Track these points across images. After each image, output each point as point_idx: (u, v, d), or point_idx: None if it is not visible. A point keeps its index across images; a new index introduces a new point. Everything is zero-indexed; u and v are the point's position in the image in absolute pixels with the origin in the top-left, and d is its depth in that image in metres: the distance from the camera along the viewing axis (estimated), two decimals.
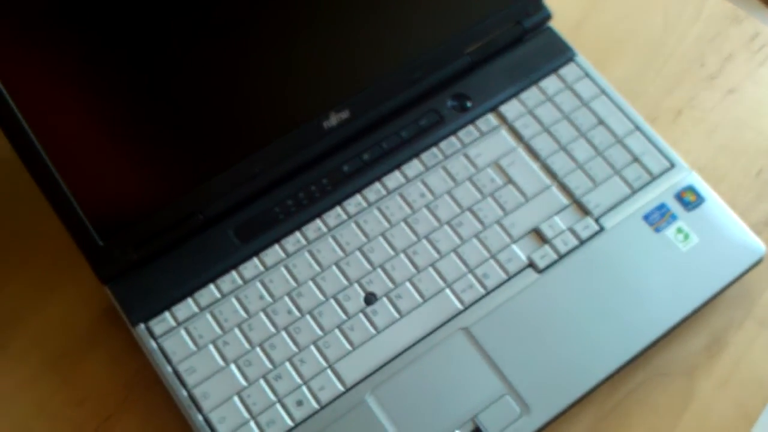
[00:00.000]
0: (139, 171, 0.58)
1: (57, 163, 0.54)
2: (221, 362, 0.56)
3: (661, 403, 0.59)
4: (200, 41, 0.56)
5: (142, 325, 0.57)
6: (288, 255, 0.60)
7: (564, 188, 0.62)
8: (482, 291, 0.59)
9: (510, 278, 0.59)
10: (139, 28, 0.54)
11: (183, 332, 0.57)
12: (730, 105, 0.70)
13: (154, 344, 0.57)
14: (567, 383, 0.56)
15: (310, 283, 0.59)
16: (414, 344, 0.57)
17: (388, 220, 0.61)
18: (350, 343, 0.57)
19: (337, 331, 0.57)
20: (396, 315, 0.58)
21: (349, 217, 0.61)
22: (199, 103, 0.58)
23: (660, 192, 0.62)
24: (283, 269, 0.59)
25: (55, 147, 0.54)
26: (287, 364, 0.56)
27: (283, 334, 0.57)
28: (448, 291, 0.59)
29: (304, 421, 0.55)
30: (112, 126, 0.56)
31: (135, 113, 0.56)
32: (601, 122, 0.64)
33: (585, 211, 0.61)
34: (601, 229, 0.61)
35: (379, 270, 0.59)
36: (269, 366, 0.56)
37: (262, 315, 0.58)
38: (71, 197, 0.55)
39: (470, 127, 0.64)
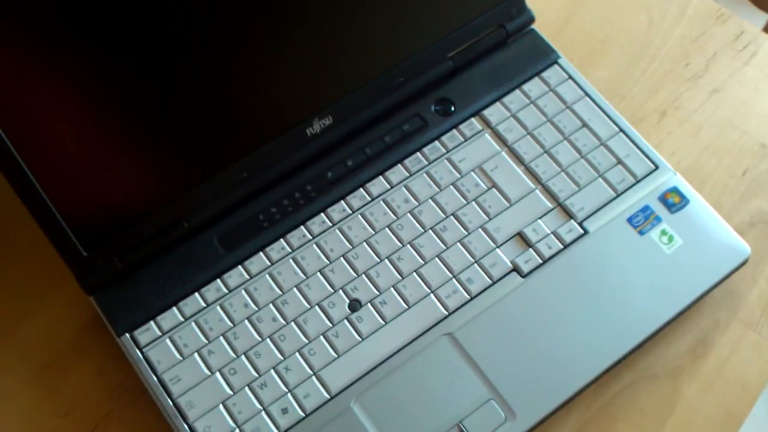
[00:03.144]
0: (122, 180, 0.58)
1: (37, 173, 0.54)
2: (206, 371, 0.56)
3: (647, 406, 0.59)
4: (184, 50, 0.56)
5: (127, 335, 0.57)
6: (272, 263, 0.60)
7: (548, 192, 0.62)
8: (467, 296, 0.59)
9: (494, 283, 0.59)
10: (121, 37, 0.54)
11: (168, 342, 0.57)
12: (715, 105, 0.70)
13: (139, 354, 0.57)
14: (552, 387, 0.56)
15: (295, 291, 0.59)
16: (399, 350, 0.57)
17: (372, 227, 0.61)
18: (335, 350, 0.57)
19: (321, 339, 0.57)
20: (381, 321, 0.58)
21: (333, 224, 0.61)
22: (182, 112, 0.58)
23: (644, 194, 0.62)
24: (267, 277, 0.59)
25: (36, 157, 0.54)
26: (272, 372, 0.56)
27: (268, 342, 0.57)
28: (432, 297, 0.59)
29: (290, 428, 0.55)
30: (94, 135, 0.56)
31: (117, 122, 0.56)
32: (584, 125, 0.64)
33: (569, 215, 0.61)
34: (585, 232, 0.61)
35: (364, 276, 0.59)
36: (254, 374, 0.56)
37: (246, 323, 0.58)
38: (53, 208, 0.55)
39: (454, 132, 0.64)
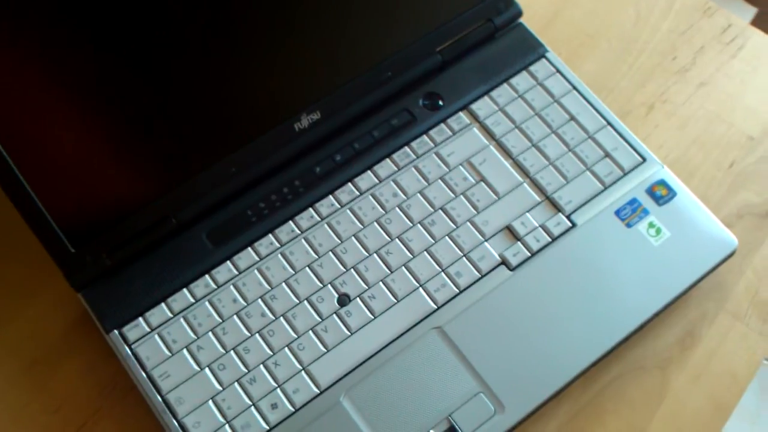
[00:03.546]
0: (110, 176, 0.58)
1: (24, 169, 0.54)
2: (195, 367, 0.56)
3: (635, 397, 0.59)
4: (170, 47, 0.56)
5: (115, 332, 0.57)
6: (261, 258, 0.60)
7: (536, 185, 0.62)
8: (455, 290, 0.59)
9: (483, 276, 0.59)
10: (107, 35, 0.54)
11: (157, 338, 0.57)
12: (702, 98, 0.70)
13: (128, 350, 0.57)
14: (541, 380, 0.56)
15: (284, 286, 0.59)
16: (388, 344, 0.57)
17: (361, 221, 0.61)
18: (324, 344, 0.57)
19: (310, 333, 0.57)
20: (369, 316, 0.58)
21: (322, 218, 0.61)
22: (169, 108, 0.58)
23: (631, 187, 0.62)
24: (256, 272, 0.59)
25: (22, 153, 0.54)
26: (261, 367, 0.56)
27: (257, 337, 0.57)
28: (421, 290, 0.59)
29: (279, 423, 0.55)
30: (82, 131, 0.56)
31: (105, 117, 0.56)
32: (572, 118, 0.65)
33: (557, 208, 0.61)
34: (573, 225, 0.61)
35: (352, 271, 0.59)
36: (243, 369, 0.56)
37: (235, 319, 0.58)
38: (40, 205, 0.55)
39: (442, 126, 0.64)
